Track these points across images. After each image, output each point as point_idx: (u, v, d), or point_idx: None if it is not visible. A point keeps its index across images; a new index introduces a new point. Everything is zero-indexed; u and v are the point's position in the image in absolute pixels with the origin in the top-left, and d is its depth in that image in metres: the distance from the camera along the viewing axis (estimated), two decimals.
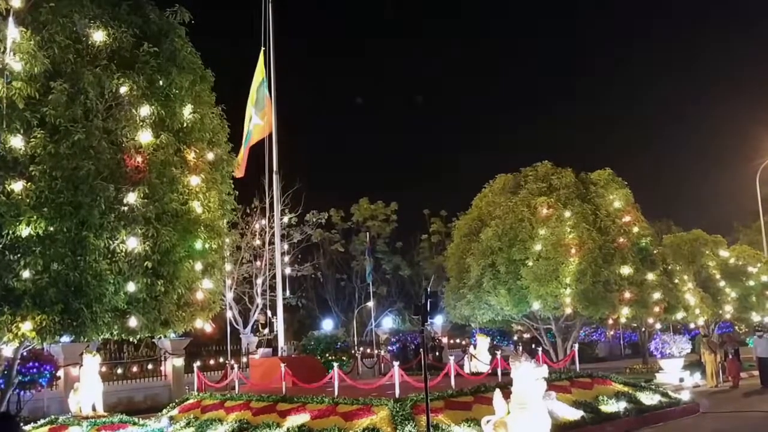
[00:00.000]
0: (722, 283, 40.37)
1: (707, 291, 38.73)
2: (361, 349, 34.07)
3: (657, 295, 29.64)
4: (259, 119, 23.51)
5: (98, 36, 15.02)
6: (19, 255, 13.65)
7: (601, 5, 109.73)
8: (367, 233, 41.33)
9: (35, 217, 13.48)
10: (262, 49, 24.11)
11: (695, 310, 36.55)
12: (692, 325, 43.77)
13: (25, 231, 13.47)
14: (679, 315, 34.01)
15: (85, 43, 15.02)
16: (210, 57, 17.38)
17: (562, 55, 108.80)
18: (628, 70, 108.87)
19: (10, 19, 13.83)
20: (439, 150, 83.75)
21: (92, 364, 18.33)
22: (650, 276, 29.51)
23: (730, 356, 28.91)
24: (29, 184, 13.73)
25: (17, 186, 13.63)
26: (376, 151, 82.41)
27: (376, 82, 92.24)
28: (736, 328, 47.79)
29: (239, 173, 22.14)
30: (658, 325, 37.19)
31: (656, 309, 30.04)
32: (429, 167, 78.51)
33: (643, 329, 39.41)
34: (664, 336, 31.14)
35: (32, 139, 13.84)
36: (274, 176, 24.22)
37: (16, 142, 13.77)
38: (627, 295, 27.96)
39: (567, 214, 27.97)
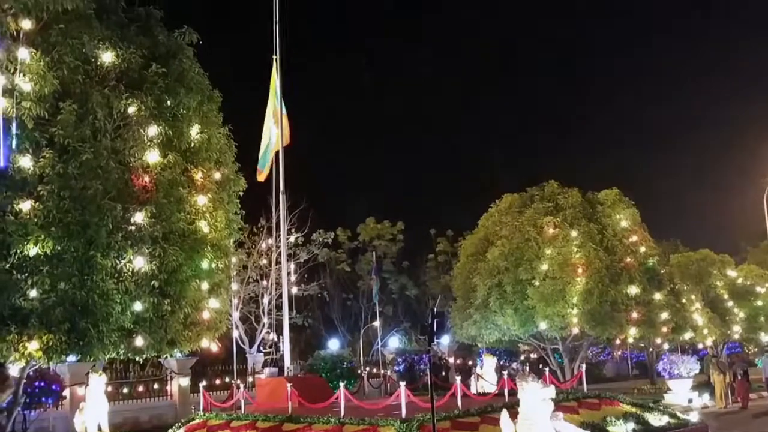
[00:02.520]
0: (730, 303, 40.18)
1: (715, 311, 38.54)
2: (368, 368, 33.93)
3: (665, 315, 29.49)
4: (276, 128, 23.57)
5: (107, 57, 15.15)
6: (26, 274, 13.69)
7: (605, 20, 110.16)
8: (374, 253, 41.30)
9: (43, 236, 13.54)
10: (274, 57, 24.15)
11: (703, 331, 36.36)
12: (700, 346, 43.50)
13: (32, 250, 13.52)
14: (687, 335, 33.81)
15: (94, 63, 15.14)
16: (218, 74, 17.52)
17: (568, 73, 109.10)
18: (633, 88, 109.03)
19: (21, 40, 13.96)
20: (445, 170, 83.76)
21: (98, 383, 18.30)
22: (658, 296, 29.38)
23: (739, 377, 28.70)
24: (37, 203, 13.79)
25: (25, 206, 13.69)
26: (383, 170, 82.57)
27: (382, 100, 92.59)
28: (745, 348, 47.48)
29: (261, 178, 22.62)
30: (666, 346, 36.96)
31: (664, 329, 29.88)
32: (435, 187, 78.56)
33: (651, 349, 39.20)
34: (672, 356, 30.97)
35: (41, 159, 13.92)
36: (281, 196, 24.21)
37: (25, 162, 13.86)
38: (634, 315, 27.84)
39: (574, 233, 27.94)
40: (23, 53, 13.86)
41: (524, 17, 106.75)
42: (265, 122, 23.81)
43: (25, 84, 13.90)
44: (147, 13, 16.81)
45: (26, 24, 14.07)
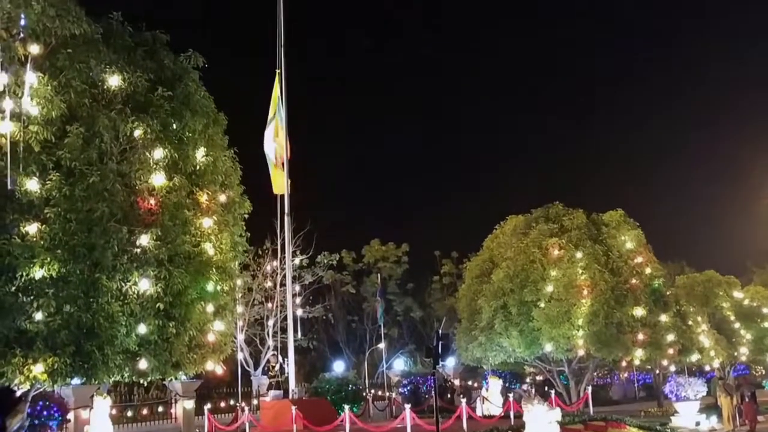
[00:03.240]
0: (737, 325, 40.01)
1: (722, 333, 38.37)
2: (373, 391, 33.78)
3: (671, 337, 29.39)
4: (275, 142, 23.62)
5: (114, 81, 15.27)
6: (32, 297, 13.71)
7: (609, 38, 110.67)
8: (379, 275, 41.27)
9: (49, 258, 13.58)
10: (277, 71, 24.24)
11: (710, 352, 36.17)
12: (707, 368, 43.23)
13: (38, 273, 13.56)
14: (694, 357, 33.66)
15: (101, 87, 15.27)
16: (223, 97, 17.63)
17: (571, 93, 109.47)
18: (636, 107, 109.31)
19: (28, 65, 14.09)
20: (450, 191, 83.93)
21: (102, 406, 18.25)
22: (663, 317, 29.31)
23: (747, 399, 28.47)
24: (44, 226, 13.85)
25: (32, 228, 13.75)
26: (388, 192, 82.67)
27: (387, 121, 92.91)
28: (752, 370, 47.19)
29: (276, 190, 22.74)
30: (672, 368, 36.78)
31: (670, 351, 29.77)
32: (440, 208, 78.62)
33: (658, 372, 38.97)
34: (679, 378, 30.76)
35: (48, 182, 14.00)
36: (286, 218, 24.27)
37: (32, 185, 13.93)
38: (640, 336, 27.76)
39: (578, 255, 27.93)
40: (31, 77, 13.99)
41: (534, 41, 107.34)
42: (266, 133, 23.81)
43: (32, 108, 14.02)
44: (153, 37, 16.97)
45: (34, 49, 14.21)
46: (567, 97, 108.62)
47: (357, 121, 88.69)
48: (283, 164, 23.56)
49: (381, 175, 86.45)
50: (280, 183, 23.46)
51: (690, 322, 33.91)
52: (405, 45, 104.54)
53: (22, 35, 13.94)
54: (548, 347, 27.74)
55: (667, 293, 30.85)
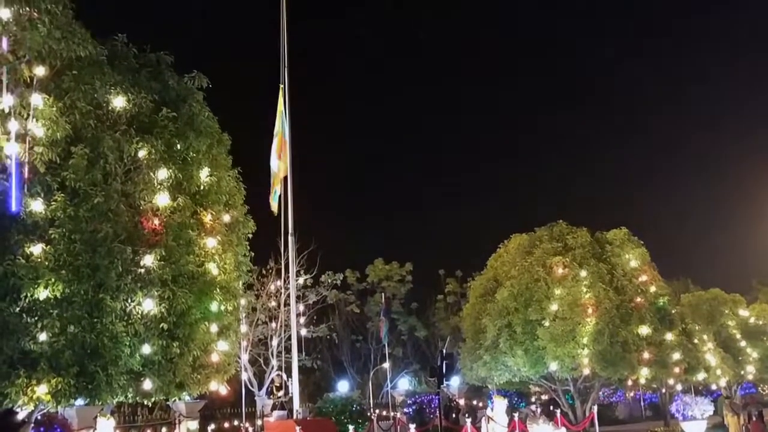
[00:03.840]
0: (743, 343, 39.84)
1: (728, 351, 38.21)
2: (377, 411, 33.62)
3: (677, 356, 29.28)
4: (278, 159, 23.61)
5: (118, 102, 15.35)
6: (36, 318, 13.71)
7: (616, 56, 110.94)
8: (383, 294, 41.22)
9: (53, 279, 13.59)
10: (281, 86, 24.30)
11: (716, 371, 35.99)
12: (714, 387, 42.99)
13: (42, 293, 13.56)
14: (700, 376, 33.49)
15: (106, 108, 15.34)
16: (227, 117, 17.71)
17: (576, 112, 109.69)
18: (641, 126, 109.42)
19: (34, 86, 14.18)
20: (453, 210, 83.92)
21: (106, 427, 18.15)
22: (669, 336, 29.20)
23: (754, 418, 28.28)
24: (48, 246, 13.87)
25: (36, 249, 13.77)
26: (391, 210, 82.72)
27: (389, 139, 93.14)
28: (759, 389, 46.90)
29: (273, 208, 22.61)
30: (678, 387, 36.57)
31: (676, 370, 29.63)
32: (444, 227, 78.60)
33: (664, 391, 38.75)
34: (685, 397, 30.60)
35: (53, 203, 14.04)
36: (290, 237, 24.27)
37: (37, 205, 13.97)
38: (646, 355, 27.66)
39: (583, 273, 27.89)
40: (36, 99, 14.06)
41: (541, 59, 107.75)
42: (272, 147, 23.82)
43: (37, 129, 14.08)
44: (158, 58, 17.09)
45: (40, 71, 14.30)
46: (570, 116, 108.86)
47: (359, 138, 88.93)
48: (284, 179, 23.55)
49: (384, 194, 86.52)
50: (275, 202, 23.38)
51: (696, 341, 33.78)
52: (407, 59, 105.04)
53: (27, 57, 14.02)
54: (553, 366, 27.63)
55: (673, 311, 30.74)
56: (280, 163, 23.33)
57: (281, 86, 24.26)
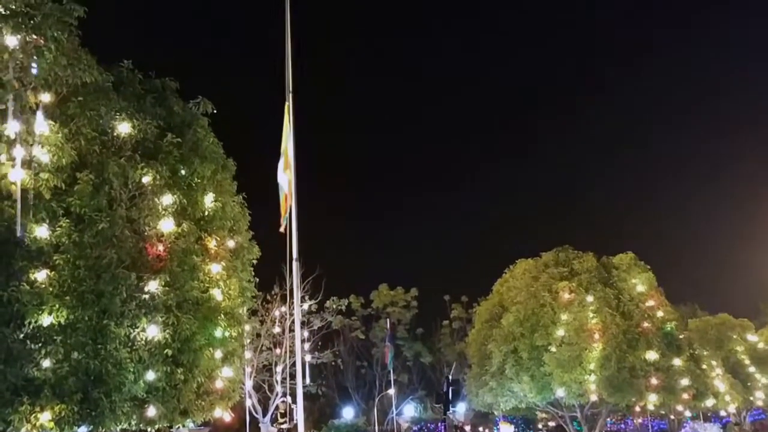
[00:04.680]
0: (752, 369, 39.54)
1: (737, 377, 37.89)
2: None
3: (685, 382, 29.03)
4: (285, 174, 23.52)
5: (124, 128, 15.38)
6: (40, 344, 13.64)
7: (621, 82, 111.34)
8: (388, 320, 41.07)
9: (57, 305, 13.54)
10: (287, 104, 24.22)
11: (725, 397, 35.67)
12: (723, 413, 42.56)
13: (46, 320, 13.50)
14: (709, 402, 33.17)
15: (111, 134, 15.37)
16: (232, 142, 17.73)
17: (583, 137, 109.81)
18: (646, 154, 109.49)
19: (39, 113, 14.24)
20: (458, 236, 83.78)
21: None
22: (677, 361, 28.99)
23: None
24: (53, 273, 13.84)
25: (41, 275, 13.74)
26: (396, 236, 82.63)
27: (395, 167, 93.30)
28: None
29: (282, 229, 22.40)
30: (687, 413, 36.21)
31: (685, 396, 29.37)
32: (449, 253, 78.42)
33: (672, 417, 38.40)
34: (694, 424, 30.35)
35: (57, 229, 14.03)
36: (294, 263, 24.24)
37: (42, 231, 13.96)
38: (654, 381, 27.44)
39: (589, 298, 27.77)
40: (42, 125, 14.11)
41: (550, 85, 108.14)
42: (279, 165, 23.78)
43: (43, 155, 14.12)
44: (163, 84, 17.14)
45: (46, 97, 14.37)
46: (576, 140, 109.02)
47: (364, 163, 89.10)
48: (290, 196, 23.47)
49: (388, 220, 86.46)
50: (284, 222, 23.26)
51: (704, 366, 33.53)
52: (409, 88, 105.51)
53: (33, 84, 14.10)
54: (560, 392, 27.43)
55: (680, 337, 30.55)
56: (287, 177, 23.24)
57: (287, 104, 24.29)
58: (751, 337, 41.36)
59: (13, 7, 13.31)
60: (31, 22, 13.47)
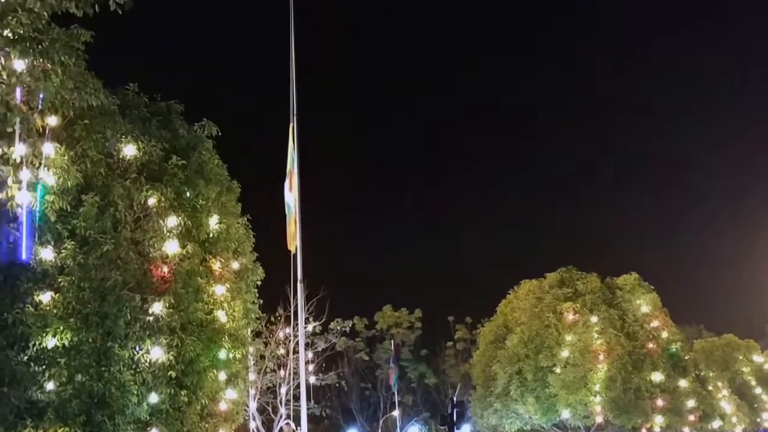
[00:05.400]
0: (758, 390, 39.36)
1: (743, 398, 37.72)
2: None
3: (691, 403, 28.92)
4: (291, 194, 23.55)
5: (129, 150, 15.48)
6: (44, 366, 13.63)
7: (625, 100, 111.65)
8: (392, 341, 40.96)
9: (62, 327, 13.55)
10: (291, 125, 24.30)
11: (732, 418, 35.49)
12: None
13: (51, 342, 13.50)
14: (716, 423, 32.99)
15: (117, 156, 15.47)
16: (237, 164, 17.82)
17: (585, 156, 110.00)
18: (647, 173, 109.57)
19: (46, 136, 14.33)
20: (462, 256, 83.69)
21: None
22: (683, 383, 28.89)
23: None
24: (57, 295, 13.87)
25: (45, 297, 13.77)
26: (400, 257, 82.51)
27: (399, 181, 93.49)
28: None
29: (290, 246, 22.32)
30: None
31: (691, 417, 29.25)
32: (452, 273, 78.28)
33: None
34: None
35: (62, 251, 14.07)
36: (299, 285, 24.27)
37: (47, 253, 14.01)
38: (659, 402, 27.34)
39: (593, 319, 27.74)
40: (48, 148, 14.20)
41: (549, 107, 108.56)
42: (285, 185, 23.83)
43: (49, 178, 14.19)
44: (168, 107, 17.27)
45: (52, 120, 14.46)
46: (579, 159, 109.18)
47: (367, 181, 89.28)
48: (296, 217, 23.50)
49: (393, 241, 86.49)
50: (294, 238, 23.23)
51: (710, 388, 33.37)
52: (414, 108, 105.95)
53: (40, 107, 14.21)
54: (565, 414, 27.32)
55: (686, 358, 30.46)
56: (293, 196, 23.28)
57: (291, 125, 24.39)
58: (757, 358, 41.22)
59: (21, 32, 13.41)
60: (39, 46, 13.57)
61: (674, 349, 29.63)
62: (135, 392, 14.29)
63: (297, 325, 27.73)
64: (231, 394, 16.76)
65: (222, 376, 16.19)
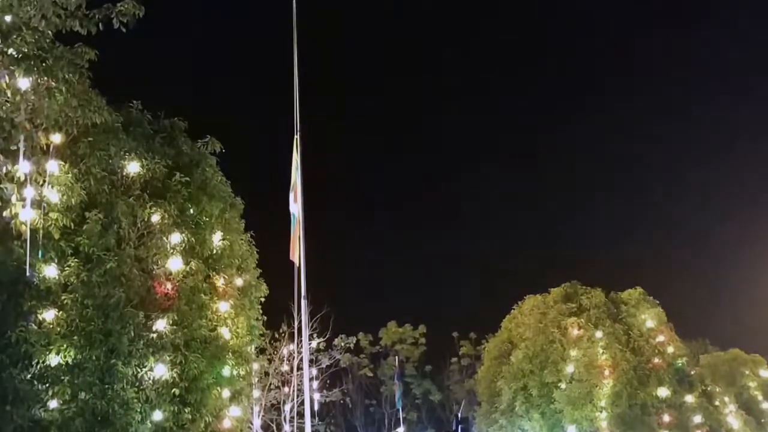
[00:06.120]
0: (765, 405, 39.07)
1: (750, 414, 37.47)
2: None
3: (698, 419, 28.74)
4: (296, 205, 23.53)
5: (132, 167, 15.52)
6: (47, 384, 13.60)
7: (629, 113, 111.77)
8: (396, 357, 40.91)
9: (65, 345, 13.54)
10: (295, 137, 24.28)
11: None
12: None
13: (54, 360, 13.49)
14: None
15: (120, 174, 15.50)
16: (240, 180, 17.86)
17: (587, 169, 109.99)
18: (656, 185, 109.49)
19: (50, 153, 14.38)
20: (466, 272, 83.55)
21: None
22: (689, 398, 28.73)
23: None
24: (61, 312, 13.86)
25: (49, 315, 13.76)
26: (404, 274, 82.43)
27: (401, 199, 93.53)
28: None
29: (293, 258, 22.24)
30: None
31: None
32: (457, 289, 78.14)
33: None
34: None
35: (66, 268, 14.08)
36: (303, 301, 24.23)
37: (50, 271, 14.01)
38: (666, 418, 27.18)
39: (598, 334, 27.65)
40: (52, 166, 14.25)
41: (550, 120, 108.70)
42: (290, 197, 23.80)
43: (53, 195, 14.23)
44: (171, 124, 17.33)
45: (56, 138, 14.51)
46: (582, 175, 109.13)
47: (371, 197, 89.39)
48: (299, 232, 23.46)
49: (397, 257, 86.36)
50: (297, 251, 23.18)
51: (717, 403, 33.14)
52: (419, 122, 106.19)
53: (44, 125, 14.26)
54: (571, 430, 27.17)
55: (692, 373, 30.29)
56: (298, 208, 23.25)
57: (295, 137, 24.40)
58: (764, 373, 40.97)
59: (26, 50, 13.50)
60: (43, 64, 13.65)
61: (680, 364, 29.48)
62: (138, 410, 14.23)
63: (301, 341, 27.74)
64: (235, 411, 16.70)
65: (226, 393, 16.13)
